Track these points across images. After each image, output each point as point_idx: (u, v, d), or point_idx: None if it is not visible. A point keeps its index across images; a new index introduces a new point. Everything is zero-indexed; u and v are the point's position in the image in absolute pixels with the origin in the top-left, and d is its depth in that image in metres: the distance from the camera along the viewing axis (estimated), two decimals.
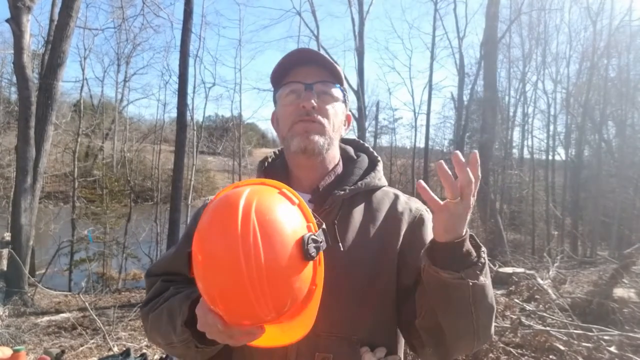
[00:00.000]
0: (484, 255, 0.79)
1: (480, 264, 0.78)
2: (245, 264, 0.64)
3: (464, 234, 0.77)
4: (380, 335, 0.92)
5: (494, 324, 0.88)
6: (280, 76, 0.96)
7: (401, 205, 1.00)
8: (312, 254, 0.69)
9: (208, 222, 0.71)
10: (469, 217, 0.76)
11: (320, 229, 0.74)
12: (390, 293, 0.94)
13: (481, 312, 0.82)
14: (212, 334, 0.74)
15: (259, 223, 0.66)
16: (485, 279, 0.79)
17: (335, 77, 0.95)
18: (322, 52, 0.98)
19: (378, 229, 0.95)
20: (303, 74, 0.94)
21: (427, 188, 0.74)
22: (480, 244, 0.80)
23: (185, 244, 1.04)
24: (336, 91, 0.96)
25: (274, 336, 0.75)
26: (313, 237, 0.69)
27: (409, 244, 0.95)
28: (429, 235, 0.97)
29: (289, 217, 0.70)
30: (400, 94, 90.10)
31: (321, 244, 0.72)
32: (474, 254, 0.79)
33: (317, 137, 0.92)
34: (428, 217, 1.01)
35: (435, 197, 0.75)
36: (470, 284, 0.77)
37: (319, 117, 0.93)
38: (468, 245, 0.78)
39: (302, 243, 0.68)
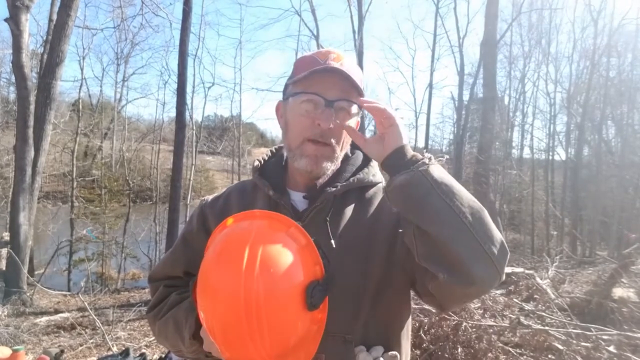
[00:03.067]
0: (429, 155, 0.82)
1: (427, 159, 0.80)
2: (245, 313, 0.65)
3: (404, 142, 0.83)
4: (376, 334, 0.90)
5: (496, 230, 0.78)
6: (303, 74, 0.90)
7: None
8: (316, 304, 0.69)
9: (214, 262, 0.72)
10: (402, 128, 0.83)
11: (327, 273, 0.74)
12: (385, 289, 0.92)
13: (458, 202, 0.76)
14: (217, 355, 0.76)
15: (263, 273, 0.67)
16: (438, 168, 0.80)
17: (357, 93, 0.91)
18: (344, 58, 0.92)
19: (369, 224, 0.94)
20: (327, 85, 0.89)
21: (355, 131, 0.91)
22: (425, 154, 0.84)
23: (181, 246, 1.06)
24: (355, 108, 0.93)
25: None
26: (319, 287, 0.70)
27: (398, 235, 0.92)
28: None
29: (295, 264, 0.70)
30: (401, 93, 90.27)
31: (327, 288, 0.72)
32: (421, 156, 0.82)
33: (325, 163, 0.92)
34: None
35: (362, 135, 0.89)
36: (422, 169, 0.78)
37: (332, 140, 0.91)
38: (411, 151, 0.83)
39: (306, 294, 0.69)
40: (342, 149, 0.96)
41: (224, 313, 0.68)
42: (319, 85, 0.89)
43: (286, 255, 0.70)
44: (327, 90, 0.89)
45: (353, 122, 0.95)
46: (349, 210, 0.95)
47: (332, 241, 0.90)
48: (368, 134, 0.97)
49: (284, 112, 0.98)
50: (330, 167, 0.94)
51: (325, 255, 0.76)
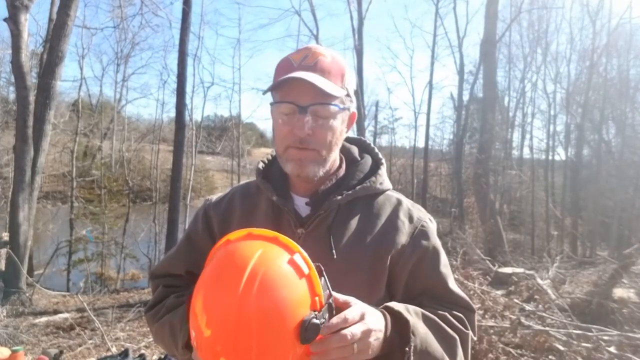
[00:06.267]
0: (410, 353, 0.77)
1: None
2: (234, 339, 0.64)
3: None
4: None
5: None
6: (276, 83, 0.89)
7: (402, 213, 0.96)
8: (310, 339, 0.67)
9: (209, 282, 0.71)
10: (372, 347, 0.73)
11: (326, 305, 0.71)
12: (386, 302, 0.90)
13: None
14: None
15: (259, 300, 0.65)
16: None
17: (332, 95, 0.87)
18: (321, 55, 0.90)
19: (375, 236, 0.91)
20: (299, 90, 0.86)
21: None
22: (411, 336, 0.78)
23: (185, 244, 1.05)
24: (334, 108, 0.88)
25: None
26: (314, 321, 0.67)
27: (404, 256, 0.92)
28: (428, 249, 0.94)
29: (294, 295, 0.68)
30: (401, 93, 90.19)
31: (324, 323, 0.70)
32: (397, 350, 0.78)
33: (310, 166, 0.89)
34: (431, 227, 0.97)
35: None
36: None
37: (314, 144, 0.88)
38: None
39: (300, 328, 0.67)
40: (331, 150, 0.92)
41: (213, 336, 0.67)
42: (293, 91, 0.87)
43: (286, 283, 0.68)
44: (301, 96, 0.86)
45: (338, 122, 0.90)
46: (355, 221, 0.93)
47: (334, 251, 0.88)
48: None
49: (272, 121, 0.97)
50: (320, 169, 0.91)
51: (327, 284, 0.74)
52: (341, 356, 0.70)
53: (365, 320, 0.73)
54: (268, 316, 0.65)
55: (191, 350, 0.87)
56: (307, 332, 0.67)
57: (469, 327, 0.91)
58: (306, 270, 0.72)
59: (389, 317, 0.79)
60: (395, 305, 0.82)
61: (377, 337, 0.74)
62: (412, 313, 0.81)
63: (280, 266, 0.70)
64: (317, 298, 0.71)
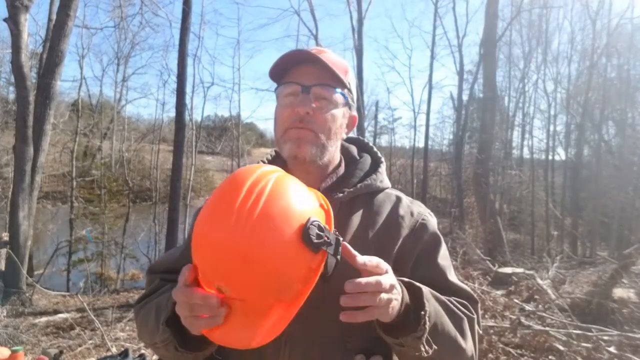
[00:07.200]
0: (425, 318, 0.75)
1: (420, 331, 0.75)
2: (232, 222, 0.60)
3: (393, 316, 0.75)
4: (377, 343, 0.87)
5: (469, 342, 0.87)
6: (281, 72, 0.92)
7: (402, 209, 0.96)
8: (313, 238, 0.62)
9: (210, 203, 0.68)
10: (392, 305, 0.72)
11: (336, 237, 0.67)
12: None
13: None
14: (178, 310, 0.72)
15: (270, 191, 0.62)
16: (428, 347, 0.76)
17: (337, 80, 0.90)
18: (325, 52, 0.93)
19: (376, 233, 0.92)
20: (304, 73, 0.90)
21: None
22: (425, 302, 0.77)
23: (189, 242, 1.03)
24: (337, 95, 0.91)
25: (234, 331, 0.67)
26: (319, 223, 0.63)
27: (406, 251, 0.92)
28: (429, 242, 0.95)
29: (307, 206, 0.64)
30: (400, 93, 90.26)
31: (328, 240, 0.65)
32: (412, 319, 0.77)
33: (308, 147, 0.89)
34: (432, 221, 0.98)
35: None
36: (412, 354, 0.77)
37: (313, 125, 0.89)
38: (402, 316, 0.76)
39: (304, 225, 0.62)
40: (330, 138, 0.92)
41: (213, 226, 0.63)
42: (299, 74, 0.90)
43: (301, 195, 0.65)
44: (305, 78, 0.89)
45: (339, 112, 0.92)
46: (356, 218, 0.93)
47: None
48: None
49: (275, 111, 0.98)
50: (318, 154, 0.91)
51: (338, 248, 0.70)
52: (371, 303, 0.69)
53: (390, 273, 0.74)
54: (277, 196, 0.62)
55: (172, 327, 0.79)
56: (310, 231, 0.62)
57: (474, 314, 0.91)
58: (325, 207, 0.70)
59: (402, 285, 0.79)
60: (403, 278, 0.82)
61: (397, 297, 0.74)
62: (422, 285, 0.82)
63: (303, 187, 0.68)
64: (327, 226, 0.68)
